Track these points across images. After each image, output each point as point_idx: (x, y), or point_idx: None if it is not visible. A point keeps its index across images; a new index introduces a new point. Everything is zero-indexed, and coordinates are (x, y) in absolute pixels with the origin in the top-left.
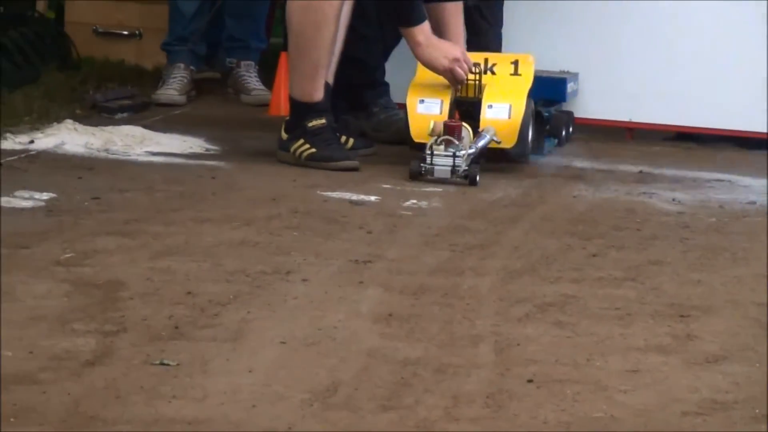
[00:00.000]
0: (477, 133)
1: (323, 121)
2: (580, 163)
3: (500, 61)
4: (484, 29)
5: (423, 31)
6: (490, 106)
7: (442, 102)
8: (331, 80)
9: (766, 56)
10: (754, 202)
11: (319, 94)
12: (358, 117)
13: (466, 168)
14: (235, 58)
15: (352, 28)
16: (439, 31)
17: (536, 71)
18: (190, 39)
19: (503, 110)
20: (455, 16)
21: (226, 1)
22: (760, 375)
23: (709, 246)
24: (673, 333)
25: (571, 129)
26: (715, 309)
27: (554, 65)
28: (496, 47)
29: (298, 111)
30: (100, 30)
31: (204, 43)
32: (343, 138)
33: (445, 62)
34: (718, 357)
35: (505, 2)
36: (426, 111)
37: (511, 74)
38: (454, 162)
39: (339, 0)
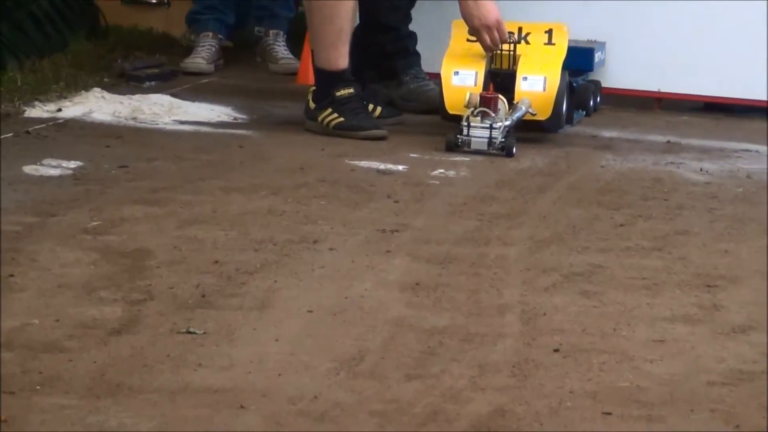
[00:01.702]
0: (512, 104)
1: (351, 90)
2: (607, 133)
3: (534, 30)
4: None
5: None
6: (525, 78)
7: (476, 73)
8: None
9: None
10: None
11: (344, 62)
12: (388, 86)
13: (503, 140)
14: (263, 27)
15: None
16: None
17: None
18: (219, 7)
19: (538, 82)
20: None
21: None
22: None
23: (737, 216)
24: (699, 303)
25: (598, 99)
26: (742, 279)
27: (581, 34)
28: None
29: (324, 80)
30: None
31: (233, 11)
32: (371, 107)
33: (476, 23)
34: (745, 327)
35: None
36: (461, 83)
37: (545, 44)
38: (491, 134)
39: None
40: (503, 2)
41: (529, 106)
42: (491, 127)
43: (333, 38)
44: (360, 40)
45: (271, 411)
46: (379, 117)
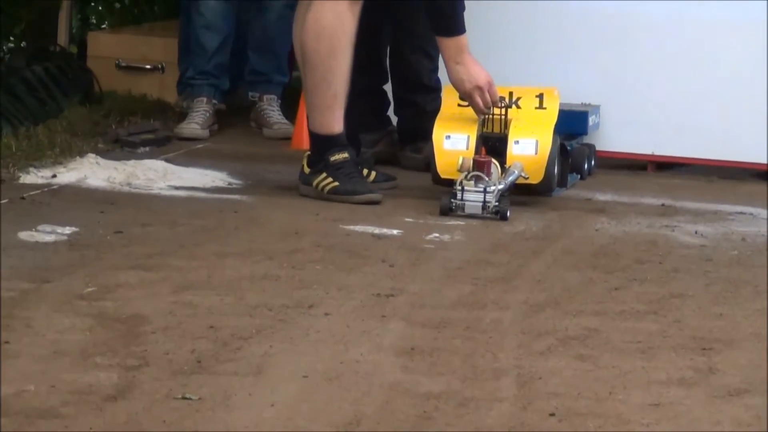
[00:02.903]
0: (504, 168)
1: (345, 155)
2: (602, 196)
3: (525, 94)
4: None
5: (457, 44)
6: (517, 142)
7: (468, 137)
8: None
9: None
10: None
11: (339, 126)
12: (422, 149)
13: (497, 203)
14: (257, 92)
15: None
16: None
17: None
18: (213, 73)
19: (530, 146)
20: None
21: (248, 35)
22: None
23: (732, 279)
24: (695, 366)
25: (593, 162)
26: (738, 342)
27: (575, 98)
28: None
29: (319, 145)
30: (123, 64)
31: (227, 77)
32: (365, 171)
33: (467, 86)
34: (741, 390)
35: (527, 35)
36: (452, 147)
37: (536, 108)
38: (484, 198)
39: (351, 24)
40: (497, 67)
41: (522, 170)
42: (485, 191)
43: (329, 102)
44: (398, 101)
45: None
46: (373, 181)
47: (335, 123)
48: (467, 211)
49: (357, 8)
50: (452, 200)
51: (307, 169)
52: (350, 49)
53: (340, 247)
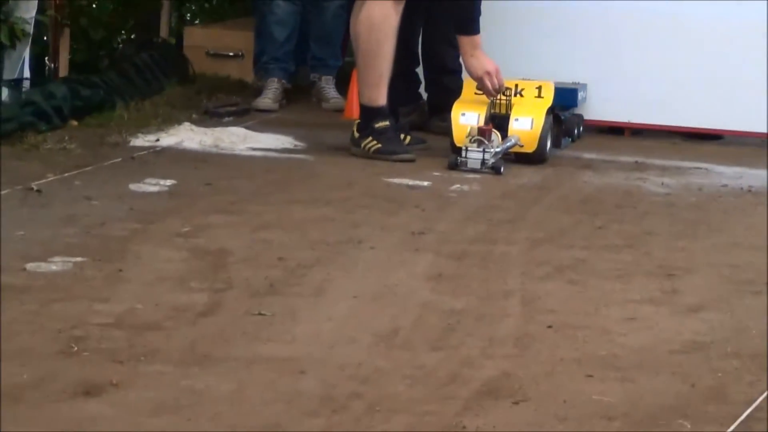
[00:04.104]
0: (505, 138)
1: (387, 123)
2: (588, 155)
3: (527, 86)
4: None
5: (473, 42)
6: (516, 119)
7: (479, 115)
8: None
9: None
10: (726, 185)
11: (383, 100)
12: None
13: (493, 161)
14: (317, 74)
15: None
16: None
17: (554, 83)
18: (282, 59)
19: (527, 123)
20: None
21: (310, 29)
22: (731, 321)
23: (691, 220)
24: (662, 288)
25: (581, 128)
26: (696, 269)
27: (568, 77)
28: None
29: (366, 114)
30: (211, 52)
31: (293, 61)
32: (402, 136)
33: (479, 71)
34: (698, 307)
35: (530, 29)
36: (466, 122)
37: (535, 97)
38: (483, 156)
39: (395, 20)
40: (507, 61)
41: (518, 140)
42: (484, 151)
43: (375, 81)
44: (428, 81)
45: (325, 375)
46: (409, 144)
47: (380, 97)
48: (469, 166)
49: (400, 7)
50: (458, 157)
51: (356, 134)
52: (394, 40)
53: (382, 196)
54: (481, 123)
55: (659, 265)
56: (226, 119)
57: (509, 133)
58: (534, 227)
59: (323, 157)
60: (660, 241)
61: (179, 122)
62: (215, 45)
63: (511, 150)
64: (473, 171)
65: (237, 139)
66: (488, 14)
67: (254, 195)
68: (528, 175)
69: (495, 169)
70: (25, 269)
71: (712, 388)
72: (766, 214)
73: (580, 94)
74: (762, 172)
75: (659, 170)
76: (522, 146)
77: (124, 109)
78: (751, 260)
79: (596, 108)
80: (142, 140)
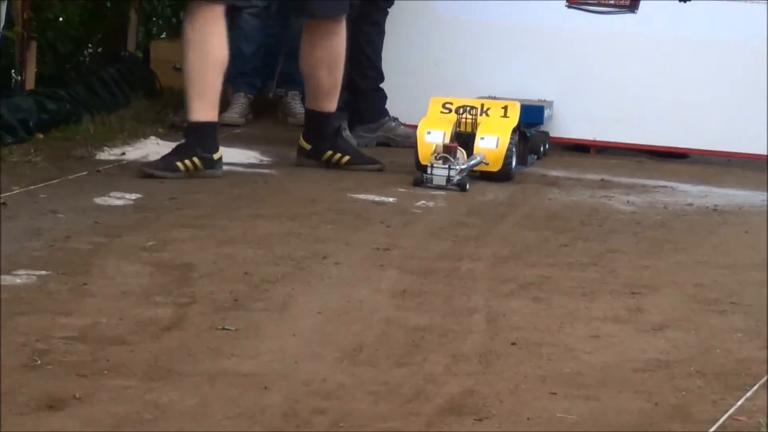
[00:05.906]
0: (470, 156)
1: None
2: (554, 173)
3: (494, 106)
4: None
5: None
6: (482, 138)
7: (444, 133)
8: None
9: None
10: (691, 204)
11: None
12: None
13: (459, 178)
14: (283, 89)
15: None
16: None
17: (520, 100)
18: (249, 73)
19: (492, 141)
20: None
21: (278, 45)
22: (695, 340)
23: (656, 238)
24: (626, 307)
25: (547, 146)
26: (661, 288)
27: (534, 95)
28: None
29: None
30: (178, 66)
31: (259, 77)
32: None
33: None
34: (662, 326)
35: (497, 47)
36: (431, 140)
37: (501, 116)
38: (449, 173)
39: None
40: (473, 77)
41: (484, 158)
42: (450, 168)
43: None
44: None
45: (289, 391)
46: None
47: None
48: (435, 183)
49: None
50: (423, 174)
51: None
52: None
53: (347, 211)
54: (447, 141)
55: (624, 283)
56: None
57: (475, 152)
58: (499, 244)
59: (289, 172)
60: (625, 259)
61: (145, 136)
62: (182, 59)
63: (476, 168)
64: (439, 188)
65: None
66: (456, 32)
67: (219, 210)
68: (494, 192)
69: (461, 186)
70: None
71: (675, 407)
72: (730, 233)
73: (546, 112)
74: (726, 191)
75: (625, 188)
76: (488, 164)
77: (90, 123)
78: (716, 279)
79: (562, 125)
80: (107, 154)
